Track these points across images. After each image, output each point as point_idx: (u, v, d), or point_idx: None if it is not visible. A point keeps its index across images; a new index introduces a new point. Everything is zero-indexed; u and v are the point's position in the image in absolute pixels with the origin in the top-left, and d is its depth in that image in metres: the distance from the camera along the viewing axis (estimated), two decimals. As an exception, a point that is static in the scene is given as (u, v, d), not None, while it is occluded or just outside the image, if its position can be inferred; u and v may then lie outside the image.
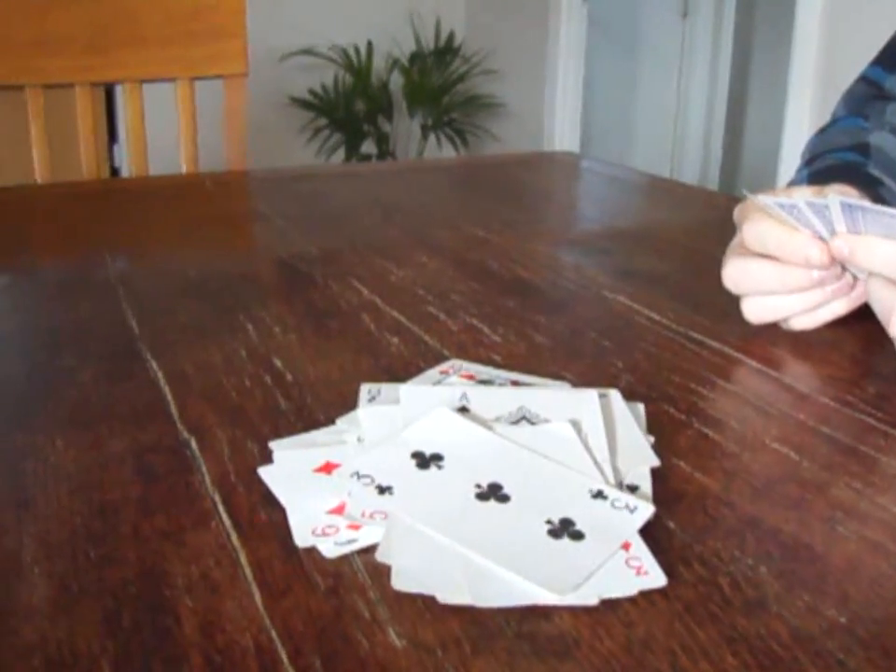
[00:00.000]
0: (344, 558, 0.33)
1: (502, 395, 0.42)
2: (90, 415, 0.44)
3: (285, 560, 0.33)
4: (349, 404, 0.45)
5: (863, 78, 0.84)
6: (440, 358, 0.51)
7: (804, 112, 2.46)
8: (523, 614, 0.30)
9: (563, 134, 3.28)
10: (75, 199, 0.96)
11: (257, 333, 0.55)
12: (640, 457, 0.38)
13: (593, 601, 0.30)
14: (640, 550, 0.32)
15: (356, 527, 0.34)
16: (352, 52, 3.07)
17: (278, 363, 0.51)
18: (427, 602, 0.30)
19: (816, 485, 0.39)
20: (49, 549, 0.33)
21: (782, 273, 0.52)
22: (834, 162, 0.71)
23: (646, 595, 0.31)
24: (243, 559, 0.33)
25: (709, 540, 0.34)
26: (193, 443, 0.41)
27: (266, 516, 0.35)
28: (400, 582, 0.31)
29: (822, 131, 0.81)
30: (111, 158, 2.72)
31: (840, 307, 0.54)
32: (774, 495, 0.38)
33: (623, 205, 0.99)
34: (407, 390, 0.42)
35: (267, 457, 0.40)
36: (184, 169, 1.30)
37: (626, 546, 0.32)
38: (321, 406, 0.45)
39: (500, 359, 0.51)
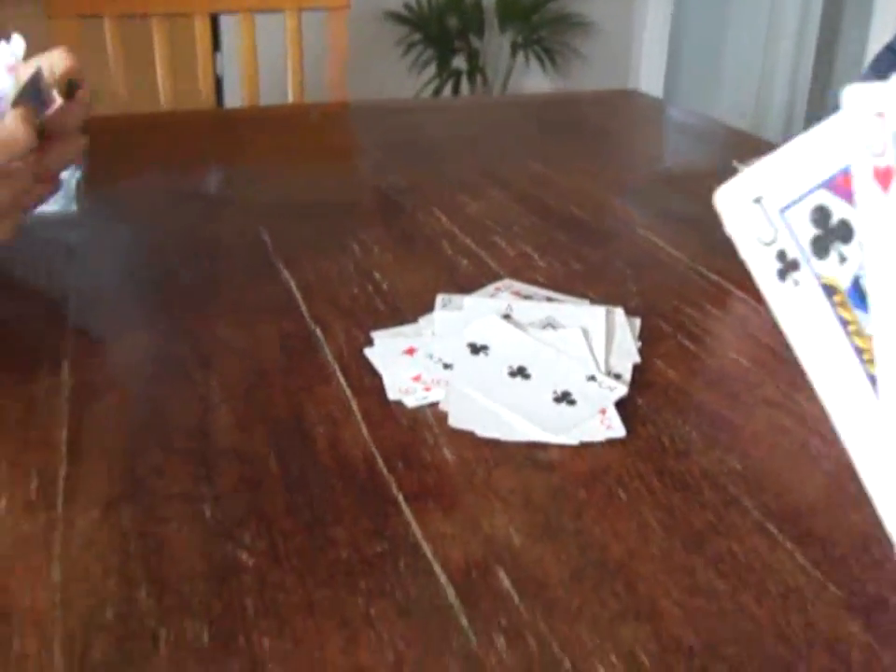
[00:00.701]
0: (419, 408, 0.50)
1: (536, 308, 0.59)
2: (245, 309, 0.63)
3: (381, 407, 0.51)
4: (428, 308, 0.62)
5: (890, 47, 0.96)
6: (496, 278, 0.68)
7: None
8: (529, 446, 0.47)
9: (651, 57, 3.34)
10: (200, 127, 1.14)
11: (360, 251, 0.73)
12: (627, 356, 0.55)
13: (574, 442, 0.47)
14: (612, 414, 0.49)
15: (427, 389, 0.51)
16: (447, -31, 3.17)
17: (377, 275, 0.68)
18: (469, 435, 0.48)
19: (754, 384, 0.55)
20: (228, 393, 0.52)
21: None
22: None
23: (611, 442, 0.48)
24: (354, 406, 0.51)
25: (663, 413, 0.51)
26: (318, 332, 0.59)
27: (369, 380, 0.53)
28: (454, 422, 0.48)
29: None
30: (214, 66, 2.86)
31: None
32: (721, 389, 0.54)
33: (683, 152, 1.13)
34: (469, 301, 0.60)
35: (370, 342, 0.57)
36: (290, 96, 1.47)
37: (603, 411, 0.49)
38: (408, 308, 0.62)
39: (543, 280, 0.68)
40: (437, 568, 0.39)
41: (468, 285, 0.66)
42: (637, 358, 0.55)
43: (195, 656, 0.34)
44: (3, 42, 0.55)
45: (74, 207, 0.78)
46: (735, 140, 1.18)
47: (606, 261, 0.73)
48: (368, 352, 0.56)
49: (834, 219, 0.16)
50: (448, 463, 0.46)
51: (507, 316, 0.57)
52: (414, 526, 0.41)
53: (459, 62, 3.27)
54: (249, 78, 1.47)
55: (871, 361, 0.16)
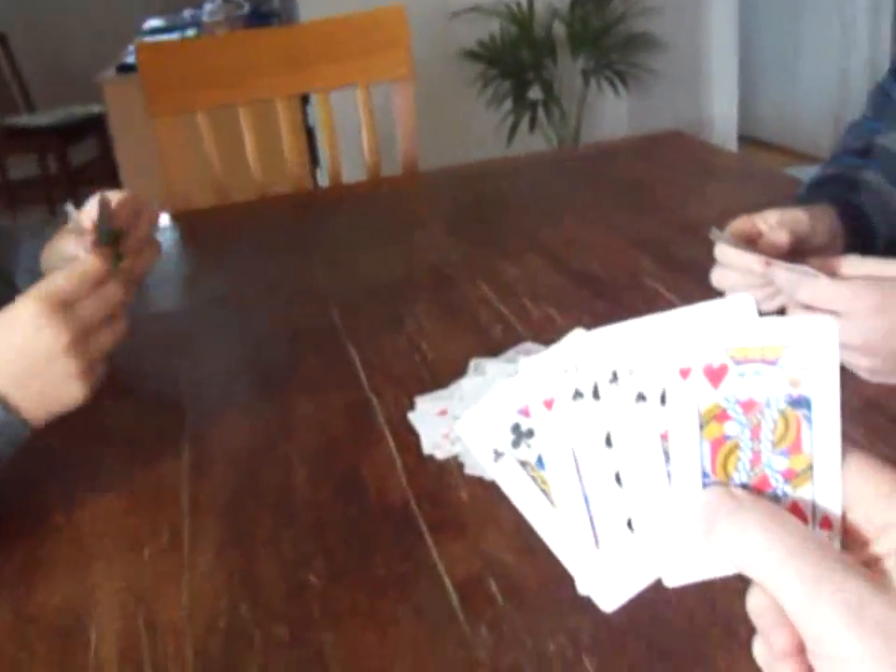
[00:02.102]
0: (447, 459, 0.66)
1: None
2: (318, 384, 0.80)
3: (418, 459, 0.67)
4: (463, 372, 0.78)
5: (879, 84, 1.07)
6: (520, 340, 0.83)
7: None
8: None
9: (721, 71, 3.43)
10: (284, 212, 1.33)
11: (412, 324, 0.89)
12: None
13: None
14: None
15: (453, 444, 0.67)
16: (514, 6, 3.33)
17: (424, 346, 0.85)
18: (482, 479, 0.64)
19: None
20: (304, 456, 0.69)
21: (740, 276, 0.81)
22: (833, 172, 0.97)
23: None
24: (398, 462, 0.67)
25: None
26: (375, 401, 0.76)
27: (411, 437, 0.69)
28: (469, 469, 0.64)
29: (851, 126, 1.05)
30: (308, 145, 3.04)
31: (783, 300, 0.81)
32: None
33: (705, 194, 1.25)
34: (490, 366, 0.75)
35: (413, 406, 0.74)
36: (367, 161, 1.65)
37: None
38: (447, 373, 0.78)
39: (558, 338, 0.83)
40: (446, 580, 0.55)
41: (496, 348, 0.82)
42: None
43: (278, 650, 0.51)
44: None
45: None
46: (770, 181, 1.30)
47: (615, 316, 0.87)
48: (410, 415, 0.72)
49: (523, 428, 0.32)
50: (463, 501, 0.62)
51: (516, 379, 0.73)
52: (433, 550, 0.57)
53: (536, 92, 3.42)
54: (331, 156, 1.66)
55: (549, 492, 0.32)
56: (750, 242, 0.80)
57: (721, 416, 0.32)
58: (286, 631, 0.53)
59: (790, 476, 0.31)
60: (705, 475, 0.31)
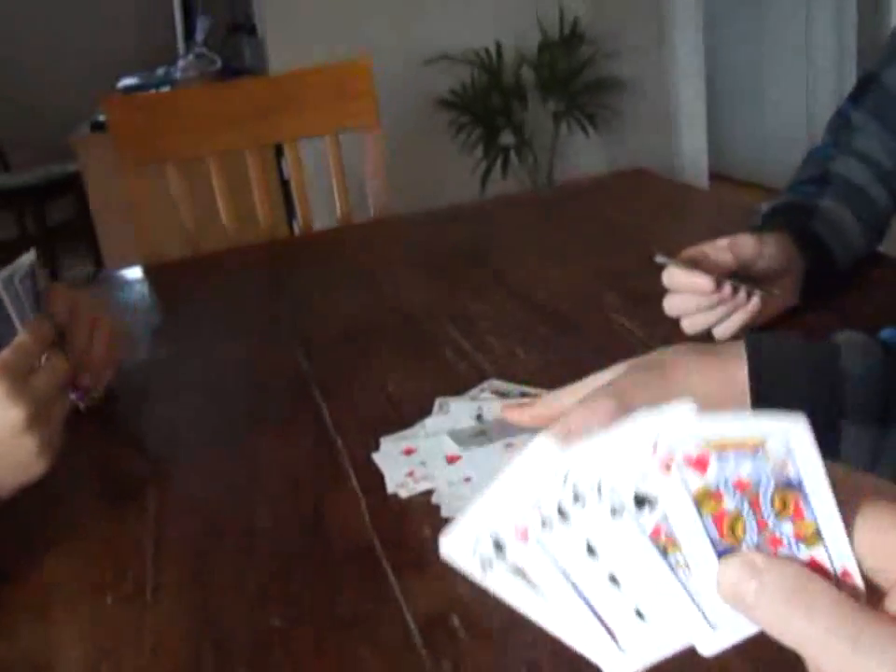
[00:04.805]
0: (410, 498, 0.67)
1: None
2: (284, 427, 0.80)
3: (382, 499, 0.67)
4: (428, 411, 0.78)
5: (838, 111, 1.09)
6: (484, 377, 0.84)
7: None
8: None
9: (689, 108, 3.49)
10: (255, 261, 1.34)
11: (378, 366, 0.90)
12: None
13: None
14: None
15: (416, 482, 0.67)
16: (483, 54, 3.39)
17: (390, 387, 0.85)
18: (445, 517, 0.64)
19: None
20: (269, 499, 0.69)
21: (690, 299, 0.82)
22: (788, 200, 0.98)
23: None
24: (362, 502, 0.67)
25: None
26: (339, 442, 0.76)
27: (375, 477, 0.70)
28: (446, 512, 0.64)
29: (809, 154, 1.07)
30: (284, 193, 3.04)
31: (739, 318, 0.82)
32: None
33: (668, 229, 1.27)
34: (454, 405, 0.76)
35: (378, 446, 0.74)
36: (338, 209, 1.66)
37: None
38: (413, 413, 0.79)
39: (522, 374, 0.84)
40: (409, 618, 0.55)
41: (461, 386, 0.83)
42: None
43: (240, 692, 0.51)
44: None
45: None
46: (731, 215, 1.32)
47: (578, 349, 0.88)
48: (375, 455, 0.72)
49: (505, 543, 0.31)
50: (426, 539, 0.62)
51: (479, 416, 0.73)
52: (396, 589, 0.57)
53: (507, 137, 3.46)
54: (301, 205, 1.68)
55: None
56: (696, 264, 0.81)
57: (716, 496, 0.31)
58: (248, 674, 0.52)
59: (800, 537, 0.31)
60: (714, 544, 0.31)
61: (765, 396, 0.57)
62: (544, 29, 3.47)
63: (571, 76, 3.46)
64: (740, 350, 0.59)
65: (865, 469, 0.53)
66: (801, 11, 3.84)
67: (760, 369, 0.58)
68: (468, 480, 0.67)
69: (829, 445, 0.54)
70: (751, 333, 0.65)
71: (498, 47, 3.40)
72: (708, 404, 0.29)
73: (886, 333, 0.58)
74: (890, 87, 1.02)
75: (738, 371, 0.58)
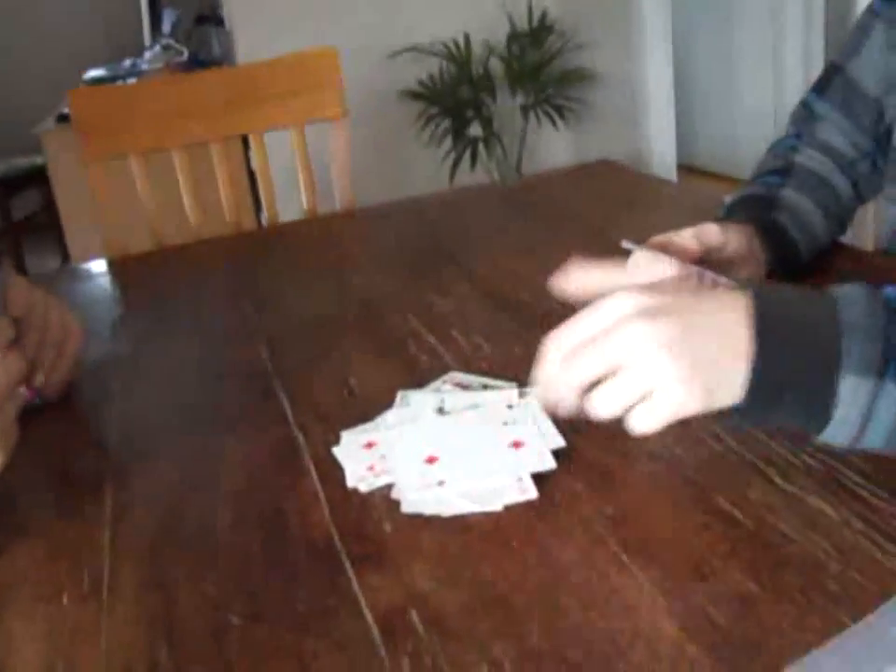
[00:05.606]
0: (371, 491, 0.66)
1: (465, 397, 0.75)
2: (245, 422, 0.79)
3: (342, 493, 0.66)
4: (390, 404, 0.77)
5: (802, 102, 1.10)
6: (447, 370, 0.83)
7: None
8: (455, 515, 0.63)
9: (658, 100, 3.49)
10: (220, 254, 1.32)
11: (340, 359, 0.89)
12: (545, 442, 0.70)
13: (499, 508, 0.62)
14: (527, 481, 0.64)
15: (377, 476, 0.67)
16: (452, 46, 3.37)
17: (352, 380, 0.84)
18: (404, 512, 0.63)
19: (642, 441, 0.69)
20: (229, 495, 0.68)
21: None
22: (752, 191, 0.98)
23: (517, 504, 0.63)
24: (321, 496, 0.67)
25: (560, 474, 0.66)
26: (300, 437, 0.75)
27: (336, 472, 0.69)
28: (406, 507, 0.64)
29: (773, 145, 1.08)
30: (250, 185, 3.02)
31: None
32: (623, 447, 0.69)
33: (633, 220, 1.27)
34: (415, 396, 0.76)
35: (338, 440, 0.73)
36: (305, 202, 1.65)
37: (520, 479, 0.64)
38: (373, 406, 0.78)
39: (486, 367, 0.83)
40: (367, 613, 0.54)
41: (423, 379, 0.82)
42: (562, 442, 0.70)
43: (196, 690, 0.50)
44: None
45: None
46: (696, 206, 1.32)
47: (541, 343, 0.88)
48: (335, 449, 0.72)
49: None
50: (386, 533, 0.62)
51: (440, 409, 0.73)
52: (355, 583, 0.57)
53: (476, 129, 3.46)
54: (267, 197, 1.66)
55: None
56: (662, 251, 0.81)
57: None
58: (204, 673, 0.52)
59: None
60: None
61: (766, 340, 0.56)
62: (513, 20, 3.46)
63: (540, 67, 3.46)
64: (745, 293, 0.58)
65: (861, 420, 0.54)
66: (770, 4, 3.86)
67: (762, 308, 0.57)
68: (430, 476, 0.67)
69: (826, 396, 0.54)
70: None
71: (467, 38, 3.39)
72: None
73: (890, 290, 0.58)
74: (854, 78, 1.03)
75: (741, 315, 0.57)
